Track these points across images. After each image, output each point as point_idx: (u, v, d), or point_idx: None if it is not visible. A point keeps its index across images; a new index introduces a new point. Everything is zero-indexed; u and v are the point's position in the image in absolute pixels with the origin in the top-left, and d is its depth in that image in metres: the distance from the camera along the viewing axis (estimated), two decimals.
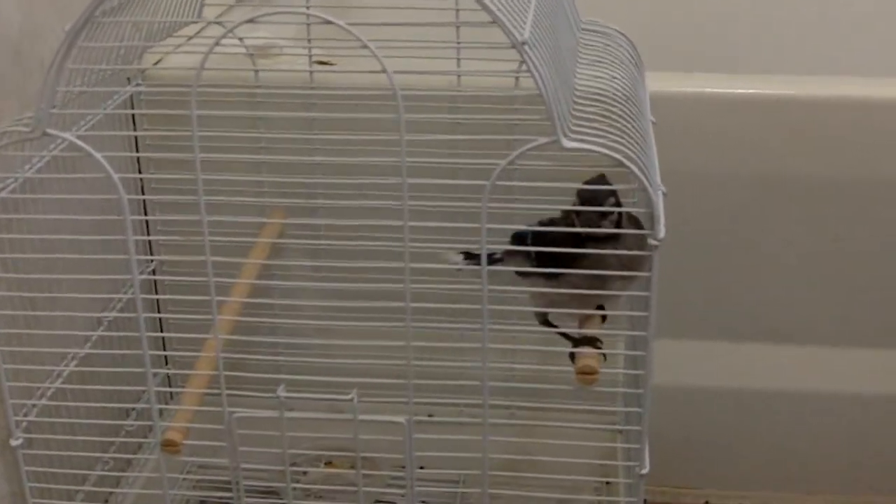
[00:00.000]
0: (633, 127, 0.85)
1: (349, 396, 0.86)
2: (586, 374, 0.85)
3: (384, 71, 0.75)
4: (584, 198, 0.88)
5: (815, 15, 1.65)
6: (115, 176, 0.80)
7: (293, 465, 1.03)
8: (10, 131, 0.81)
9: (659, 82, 1.06)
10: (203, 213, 0.80)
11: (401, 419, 0.87)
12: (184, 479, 1.20)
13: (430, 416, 1.11)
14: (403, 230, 0.80)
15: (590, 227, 0.87)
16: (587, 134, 0.77)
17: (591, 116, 0.82)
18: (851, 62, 1.54)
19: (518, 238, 0.90)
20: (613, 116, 0.86)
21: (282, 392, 0.86)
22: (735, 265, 1.19)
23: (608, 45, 1.02)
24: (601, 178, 0.89)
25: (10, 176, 0.89)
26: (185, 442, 0.89)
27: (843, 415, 1.26)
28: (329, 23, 0.75)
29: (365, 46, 0.74)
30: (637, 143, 0.82)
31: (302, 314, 0.98)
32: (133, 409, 1.12)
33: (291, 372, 0.91)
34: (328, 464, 1.24)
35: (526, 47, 0.73)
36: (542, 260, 0.86)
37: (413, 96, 0.79)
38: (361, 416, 0.87)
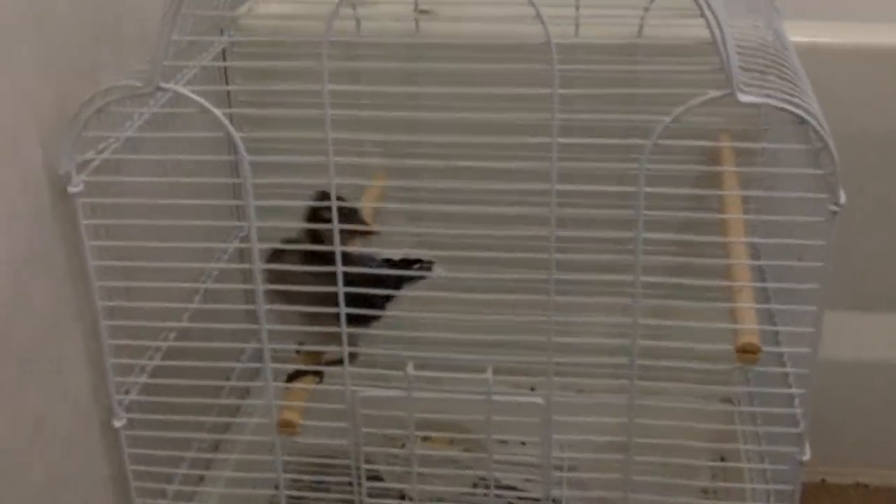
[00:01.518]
0: (796, 77, 0.78)
1: (485, 375, 0.79)
2: (748, 352, 0.77)
3: (542, 20, 0.67)
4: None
5: None
6: (236, 134, 0.73)
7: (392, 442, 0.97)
8: (123, 86, 0.74)
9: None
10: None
11: (539, 399, 0.81)
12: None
13: (532, 388, 1.05)
14: (551, 194, 0.73)
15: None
16: (760, 87, 0.70)
17: (755, 68, 0.75)
18: None
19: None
20: (774, 67, 0.78)
21: (411, 370, 0.79)
22: (871, 228, 1.11)
23: None
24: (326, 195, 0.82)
25: (112, 135, 0.81)
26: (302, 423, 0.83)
27: None
28: None
29: None
30: (808, 97, 0.74)
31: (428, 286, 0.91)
32: (226, 384, 1.05)
33: (417, 348, 0.84)
34: (426, 440, 1.17)
35: None
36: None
37: (564, 46, 0.71)
38: (496, 397, 0.80)
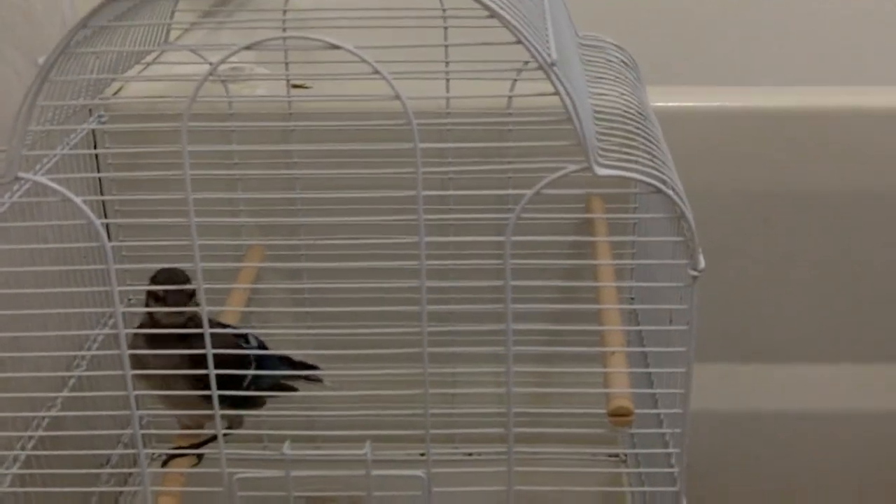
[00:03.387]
0: (655, 146, 0.80)
1: (363, 451, 0.79)
2: (620, 416, 0.78)
3: (398, 97, 0.68)
4: (163, 281, 0.82)
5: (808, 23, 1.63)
6: (97, 221, 0.72)
7: None
8: None
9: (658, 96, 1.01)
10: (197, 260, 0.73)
11: (419, 472, 0.80)
12: None
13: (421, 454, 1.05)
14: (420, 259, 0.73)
15: (178, 306, 0.81)
16: (618, 159, 0.72)
17: (613, 138, 0.77)
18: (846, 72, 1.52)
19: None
20: (634, 136, 0.80)
21: (288, 449, 0.78)
22: (740, 283, 1.14)
23: (609, 61, 0.97)
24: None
25: None
26: None
27: (845, 433, 1.22)
28: (336, 48, 0.67)
29: (377, 72, 0.67)
30: (666, 165, 0.77)
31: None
32: (102, 472, 1.03)
33: (294, 426, 0.83)
34: None
35: (555, 69, 0.67)
36: None
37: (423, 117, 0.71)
38: (375, 472, 0.80)
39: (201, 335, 0.75)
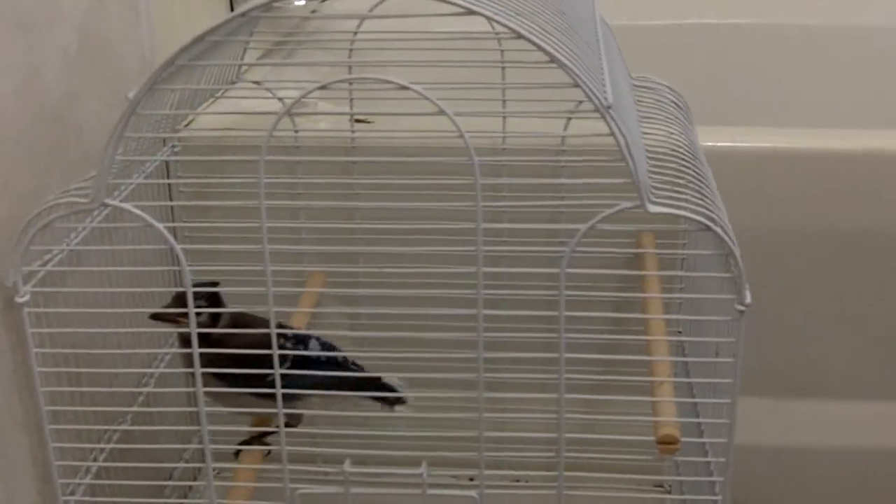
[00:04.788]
0: (704, 185, 0.83)
1: (419, 470, 0.82)
2: (668, 444, 0.82)
3: (461, 136, 0.72)
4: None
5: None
6: (177, 246, 0.76)
7: None
8: (68, 202, 0.77)
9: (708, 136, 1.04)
10: (270, 287, 0.77)
11: (473, 494, 0.84)
12: None
13: (470, 479, 1.09)
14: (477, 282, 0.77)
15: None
16: (669, 197, 0.75)
17: (663, 176, 0.80)
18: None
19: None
20: (684, 175, 0.84)
21: (348, 467, 0.82)
22: (786, 319, 1.17)
23: (660, 101, 1.00)
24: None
25: (56, 248, 0.85)
26: None
27: (891, 471, 1.23)
28: (405, 88, 0.72)
29: (441, 112, 0.72)
30: (715, 204, 0.80)
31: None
32: (168, 483, 1.07)
33: (356, 445, 0.87)
34: None
35: (611, 111, 0.71)
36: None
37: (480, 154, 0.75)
38: (431, 491, 0.83)
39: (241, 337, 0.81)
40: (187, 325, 0.79)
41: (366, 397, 0.90)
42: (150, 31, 1.08)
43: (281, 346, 0.81)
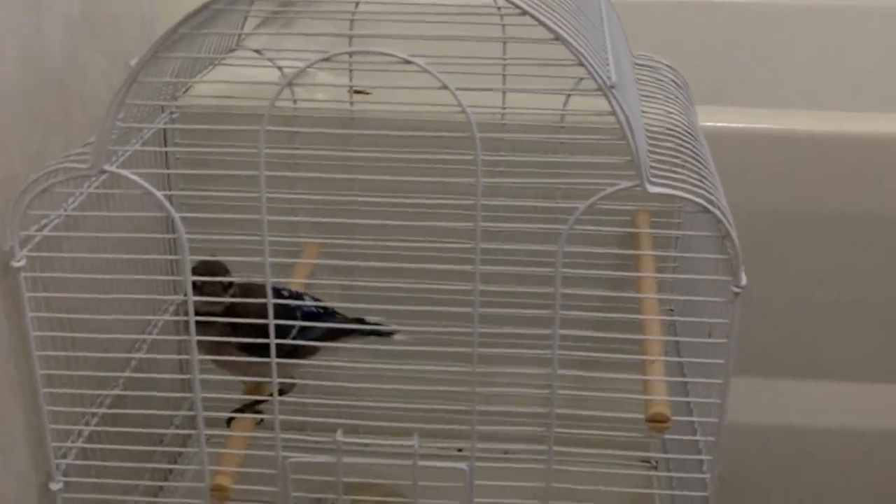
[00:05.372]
0: (703, 166, 0.84)
1: (411, 442, 0.83)
2: (658, 422, 0.82)
3: (463, 112, 0.72)
4: (203, 272, 0.87)
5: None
6: (176, 215, 0.77)
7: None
8: (67, 167, 0.77)
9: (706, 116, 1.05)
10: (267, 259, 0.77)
11: (463, 466, 0.85)
12: None
13: (458, 450, 1.09)
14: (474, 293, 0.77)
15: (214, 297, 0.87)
16: (668, 178, 0.76)
17: (664, 156, 0.80)
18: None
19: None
20: (682, 155, 0.84)
21: (340, 436, 0.83)
22: (779, 299, 1.18)
23: (660, 80, 1.00)
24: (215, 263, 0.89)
25: (53, 213, 0.85)
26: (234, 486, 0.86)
27: (881, 451, 1.24)
28: (408, 62, 0.72)
29: (444, 87, 0.72)
30: (714, 185, 0.80)
31: (358, 355, 0.95)
32: (158, 449, 1.08)
33: (348, 416, 0.88)
34: (355, 503, 1.20)
35: (614, 91, 0.71)
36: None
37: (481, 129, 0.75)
38: (421, 462, 0.84)
39: (245, 308, 0.83)
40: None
41: (364, 333, 0.93)
42: None
43: (292, 315, 0.84)
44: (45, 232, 0.84)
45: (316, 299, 0.96)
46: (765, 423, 1.23)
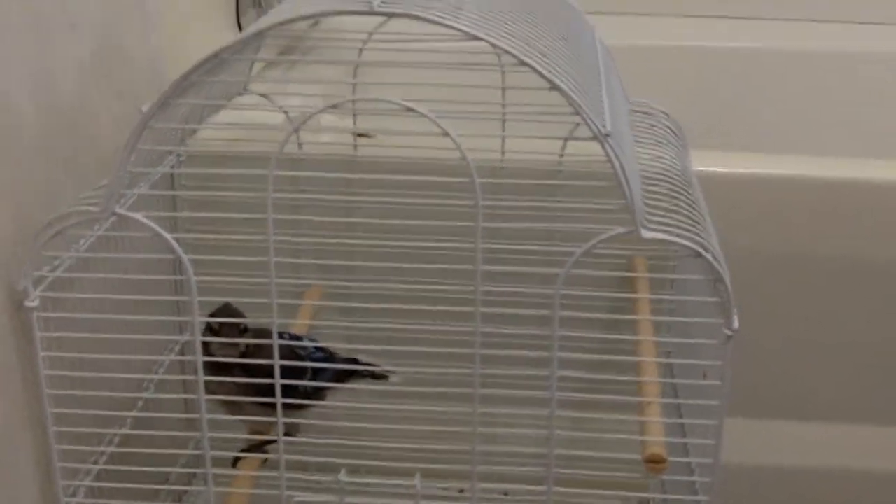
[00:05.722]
0: (696, 211, 0.86)
1: (413, 482, 0.84)
2: (655, 462, 0.84)
3: (464, 158, 0.74)
4: (223, 317, 0.90)
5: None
6: (185, 257, 0.79)
7: None
8: (80, 210, 0.80)
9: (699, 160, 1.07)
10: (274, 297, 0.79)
11: None
12: None
13: (460, 491, 1.11)
14: (475, 316, 0.79)
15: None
16: (662, 223, 0.78)
17: (658, 201, 0.83)
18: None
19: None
20: (676, 200, 0.86)
21: (343, 476, 0.85)
22: (774, 342, 1.20)
23: (654, 126, 1.03)
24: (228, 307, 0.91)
25: (64, 255, 0.87)
26: None
27: (872, 493, 1.26)
28: (411, 110, 0.74)
29: (445, 134, 0.74)
30: (706, 230, 0.82)
31: (360, 396, 0.97)
32: (164, 487, 1.09)
33: (351, 455, 0.89)
34: None
35: (609, 139, 0.74)
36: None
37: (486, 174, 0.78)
38: (423, 502, 0.85)
39: (259, 352, 0.84)
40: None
41: (362, 374, 0.95)
42: (160, 40, 1.11)
43: (305, 359, 0.87)
44: (58, 273, 0.86)
45: (313, 340, 0.98)
46: (757, 463, 1.25)
